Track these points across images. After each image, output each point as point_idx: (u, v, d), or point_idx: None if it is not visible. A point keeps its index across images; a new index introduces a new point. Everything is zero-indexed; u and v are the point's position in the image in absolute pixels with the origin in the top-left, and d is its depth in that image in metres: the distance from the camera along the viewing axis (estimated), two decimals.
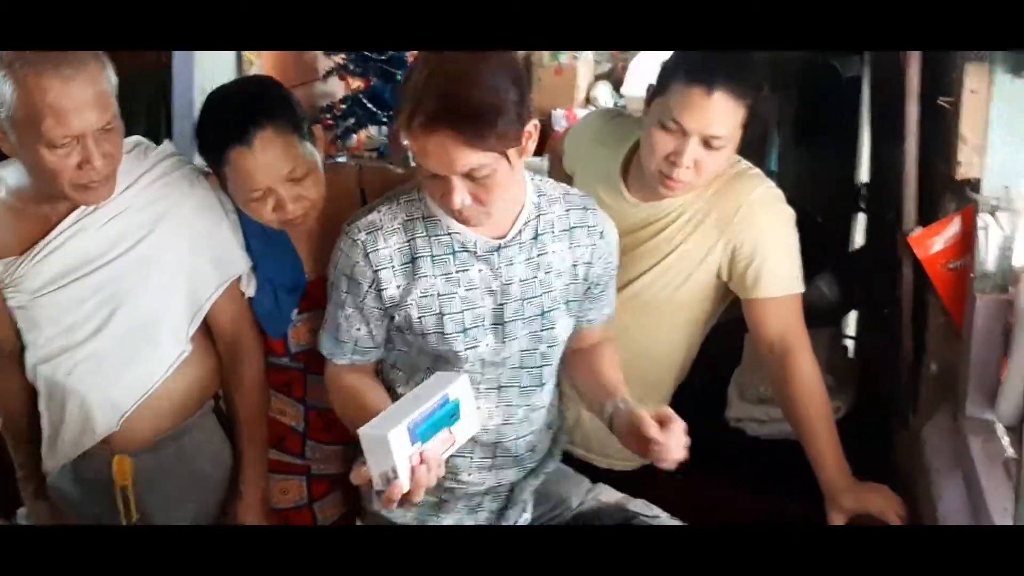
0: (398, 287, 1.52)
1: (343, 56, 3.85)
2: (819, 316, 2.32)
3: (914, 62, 1.74)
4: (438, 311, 1.52)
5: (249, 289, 1.78)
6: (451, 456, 1.54)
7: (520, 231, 1.53)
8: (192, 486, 1.83)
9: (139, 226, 1.65)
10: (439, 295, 1.52)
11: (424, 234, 1.52)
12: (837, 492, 1.73)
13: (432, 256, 1.51)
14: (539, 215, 1.55)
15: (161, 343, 1.71)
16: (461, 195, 1.39)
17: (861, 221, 2.93)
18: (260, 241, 1.77)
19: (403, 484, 1.32)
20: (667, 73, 1.73)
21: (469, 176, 1.37)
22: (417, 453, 1.33)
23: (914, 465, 1.75)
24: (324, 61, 3.99)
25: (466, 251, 1.52)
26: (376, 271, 1.52)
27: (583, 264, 1.58)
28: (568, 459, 1.86)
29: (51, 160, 1.50)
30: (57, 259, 1.61)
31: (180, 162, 1.74)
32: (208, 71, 2.09)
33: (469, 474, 1.63)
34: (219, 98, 1.69)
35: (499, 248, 1.52)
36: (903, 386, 1.92)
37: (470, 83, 1.33)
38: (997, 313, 1.61)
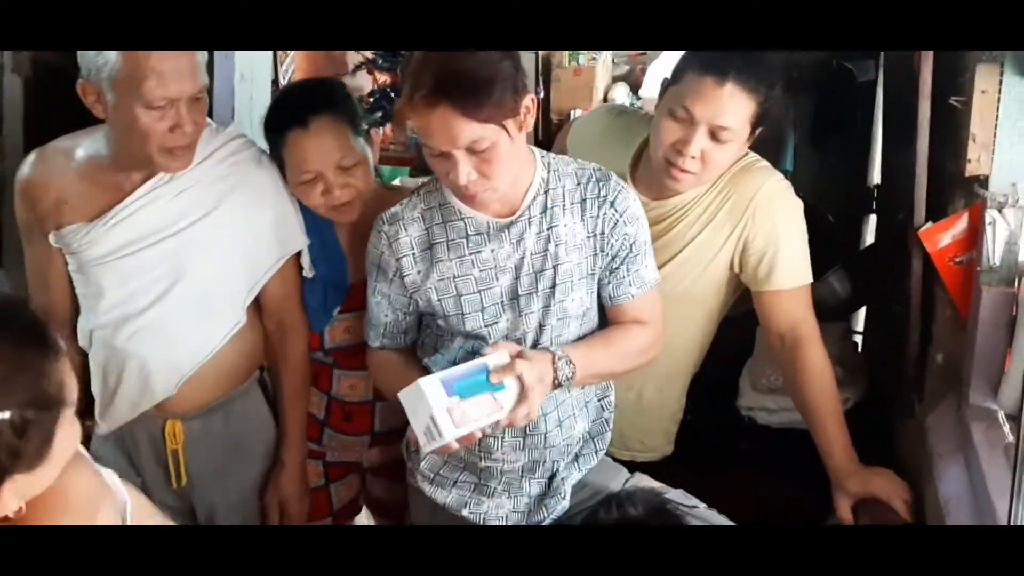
0: (418, 272, 1.60)
1: (372, 51, 3.92)
2: (830, 311, 2.38)
3: (927, 64, 1.80)
4: (455, 293, 1.59)
5: (308, 271, 1.86)
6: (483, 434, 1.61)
7: (529, 206, 1.58)
8: (236, 453, 1.90)
9: (208, 200, 1.73)
10: (455, 277, 1.59)
11: (440, 221, 1.60)
12: (844, 477, 1.79)
13: (448, 241, 1.59)
14: (547, 189, 1.59)
15: (219, 312, 1.78)
16: (466, 169, 1.45)
17: (873, 222, 2.98)
18: (316, 240, 1.86)
19: (447, 434, 1.38)
20: (682, 65, 1.78)
21: (471, 150, 1.44)
22: (457, 406, 1.40)
23: (919, 451, 1.81)
24: (353, 56, 4.06)
25: (478, 233, 1.58)
26: (399, 259, 1.61)
27: (598, 235, 1.60)
28: None
29: (145, 121, 1.57)
30: (128, 226, 1.69)
31: (248, 143, 1.82)
32: (248, 60, 2.16)
33: (503, 453, 1.66)
34: (287, 90, 1.93)
35: (510, 225, 1.58)
36: (910, 376, 1.98)
37: (464, 57, 1.39)
38: (1002, 306, 1.66)
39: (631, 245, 1.62)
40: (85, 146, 1.71)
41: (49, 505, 1.06)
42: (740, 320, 2.07)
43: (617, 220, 1.60)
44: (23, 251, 1.82)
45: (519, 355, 1.48)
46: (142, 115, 1.57)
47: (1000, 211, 1.65)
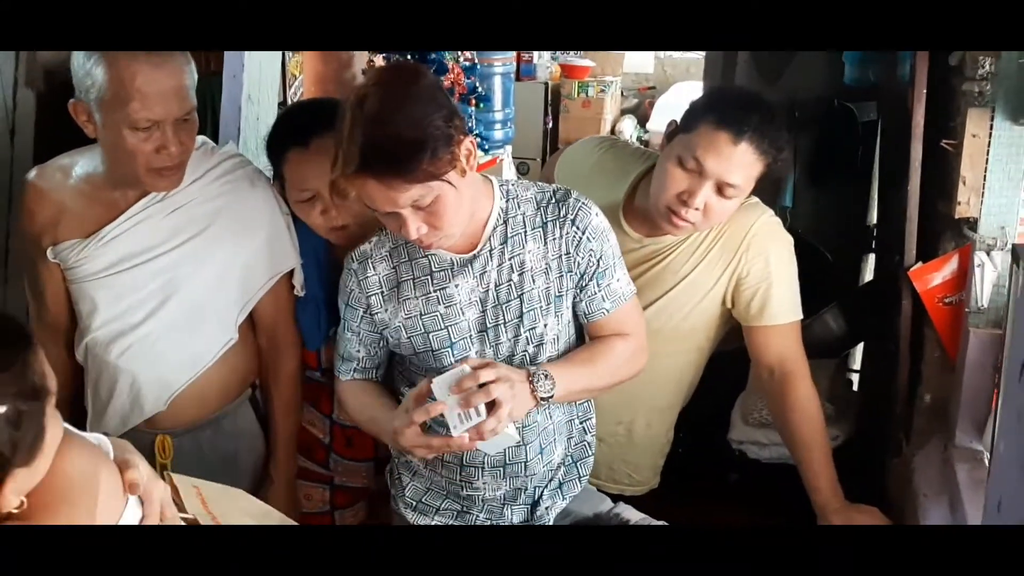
0: (386, 311, 1.63)
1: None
2: (825, 348, 2.39)
3: (920, 106, 1.83)
4: (423, 330, 1.61)
5: (300, 289, 1.88)
6: (464, 463, 1.65)
7: (489, 238, 1.59)
8: (226, 469, 1.89)
9: (201, 218, 1.75)
10: (422, 315, 1.60)
11: (406, 259, 1.62)
12: (829, 513, 1.79)
13: (413, 279, 1.61)
14: (507, 219, 1.60)
15: (211, 330, 1.80)
16: (415, 225, 1.46)
17: (872, 261, 2.99)
18: (311, 260, 1.89)
19: (483, 412, 1.43)
20: (696, 112, 1.76)
21: (416, 207, 1.44)
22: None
23: (905, 490, 1.82)
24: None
25: (442, 269, 1.60)
26: (368, 297, 1.63)
27: (563, 256, 1.59)
28: None
29: (132, 142, 1.59)
30: (122, 243, 1.71)
31: (243, 162, 1.85)
32: (255, 81, 2.19)
33: (483, 482, 1.67)
34: (290, 110, 1.95)
35: (472, 259, 1.59)
36: (898, 415, 1.99)
37: (387, 124, 1.37)
38: (989, 348, 1.68)
39: (598, 260, 1.61)
40: (82, 164, 1.74)
41: (53, 489, 1.08)
42: (734, 354, 2.08)
43: (580, 237, 1.59)
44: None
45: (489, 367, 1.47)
46: (128, 136, 1.59)
47: (988, 254, 1.67)
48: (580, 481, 1.77)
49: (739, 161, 1.69)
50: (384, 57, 4.11)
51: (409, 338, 1.62)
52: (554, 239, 1.60)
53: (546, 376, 1.52)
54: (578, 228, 1.59)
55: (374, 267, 1.63)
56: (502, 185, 1.63)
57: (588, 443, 1.78)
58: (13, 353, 1.01)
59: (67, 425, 1.13)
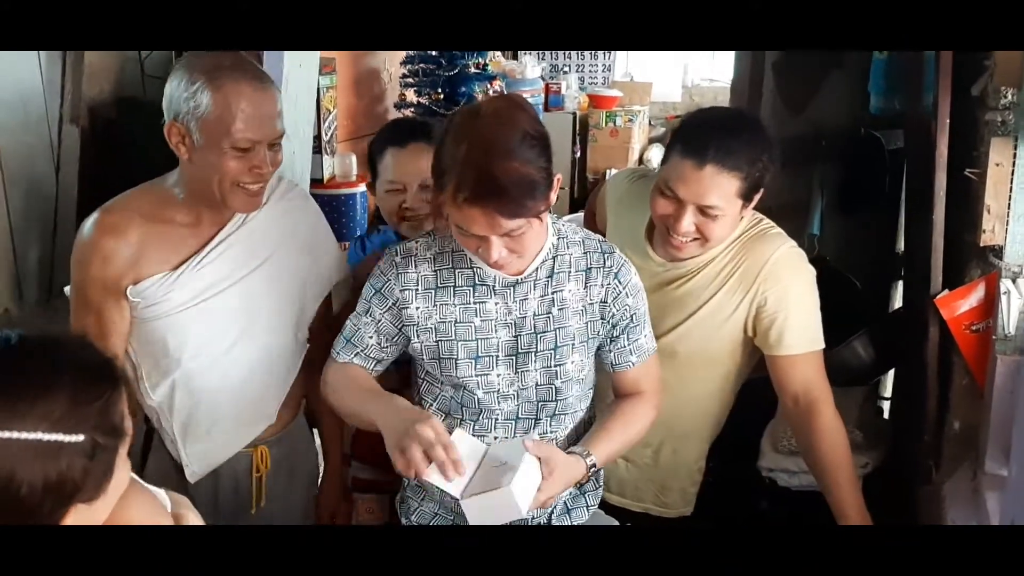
0: (417, 309, 1.65)
1: (412, 109, 4.08)
2: (854, 376, 2.39)
3: (943, 136, 1.84)
4: (453, 337, 1.65)
5: None
6: None
7: (536, 269, 1.64)
8: (297, 476, 2.02)
9: (271, 240, 1.83)
10: (456, 323, 1.64)
11: (450, 266, 1.66)
12: None
13: (454, 287, 1.65)
14: (556, 255, 1.65)
15: (287, 345, 1.89)
16: (499, 251, 1.52)
17: (901, 288, 2.99)
18: None
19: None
20: (672, 143, 1.81)
21: (507, 234, 1.50)
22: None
23: (935, 518, 1.81)
24: (395, 114, 4.21)
25: (484, 285, 1.64)
26: (403, 291, 1.66)
27: (599, 303, 1.66)
28: (603, 507, 1.88)
29: (229, 162, 1.66)
30: (211, 270, 1.76)
31: (292, 183, 1.95)
32: (292, 116, 2.23)
33: None
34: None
35: (515, 284, 1.64)
36: (927, 443, 1.98)
37: (507, 158, 1.43)
38: (1018, 374, 1.68)
39: (632, 316, 1.69)
40: (152, 199, 1.76)
41: None
42: (763, 382, 2.09)
43: (620, 291, 1.67)
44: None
45: (549, 464, 1.52)
46: (227, 155, 1.66)
47: (1014, 281, 1.68)
48: (588, 510, 1.79)
49: (709, 184, 1.72)
50: (415, 91, 4.20)
51: (437, 342, 1.65)
52: (595, 285, 1.66)
53: (593, 466, 1.61)
54: (620, 283, 1.67)
55: (416, 265, 1.66)
56: (554, 223, 1.68)
57: (596, 475, 1.79)
58: (102, 388, 1.06)
59: (135, 476, 1.18)
